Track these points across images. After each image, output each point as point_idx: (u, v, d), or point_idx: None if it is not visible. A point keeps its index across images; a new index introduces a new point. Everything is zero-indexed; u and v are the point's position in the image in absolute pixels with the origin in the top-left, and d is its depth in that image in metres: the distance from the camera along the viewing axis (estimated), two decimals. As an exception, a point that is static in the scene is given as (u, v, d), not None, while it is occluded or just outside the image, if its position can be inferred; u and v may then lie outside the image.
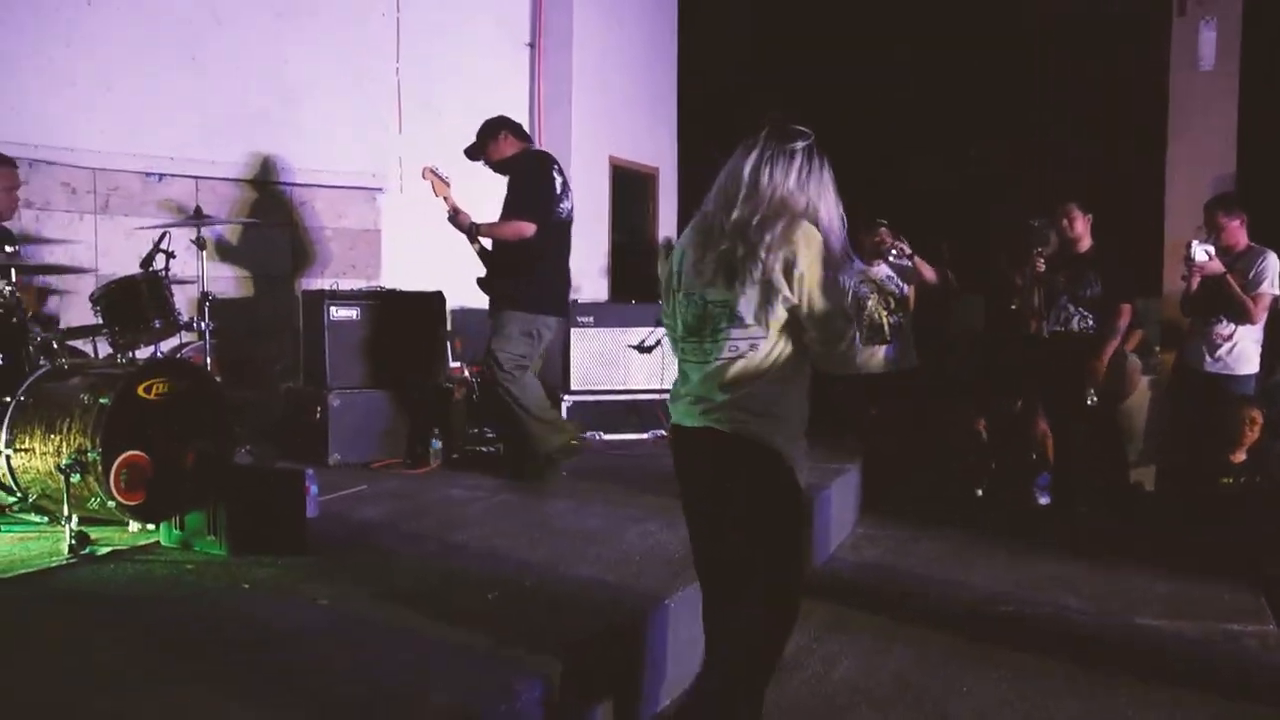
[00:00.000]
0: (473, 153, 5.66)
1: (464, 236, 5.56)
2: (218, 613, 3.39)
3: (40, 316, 5.14)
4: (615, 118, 9.16)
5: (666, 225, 10.00)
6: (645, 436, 7.20)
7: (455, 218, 5.45)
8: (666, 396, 6.67)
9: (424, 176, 5.62)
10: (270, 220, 7.08)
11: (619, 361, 7.22)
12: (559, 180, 5.46)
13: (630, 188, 9.50)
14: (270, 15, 7.14)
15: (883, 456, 6.81)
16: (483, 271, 5.65)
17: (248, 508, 4.09)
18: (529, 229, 5.32)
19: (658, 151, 9.83)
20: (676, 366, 2.69)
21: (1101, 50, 8.25)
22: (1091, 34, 8.03)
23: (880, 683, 3.71)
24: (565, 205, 5.52)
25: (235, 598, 3.54)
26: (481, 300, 6.47)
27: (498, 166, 5.58)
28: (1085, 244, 6.01)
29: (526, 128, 8.38)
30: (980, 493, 6.75)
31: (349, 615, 3.34)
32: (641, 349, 7.25)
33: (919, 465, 7.05)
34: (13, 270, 4.60)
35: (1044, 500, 6.54)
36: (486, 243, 5.58)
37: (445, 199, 5.49)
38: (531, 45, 8.62)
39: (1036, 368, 6.26)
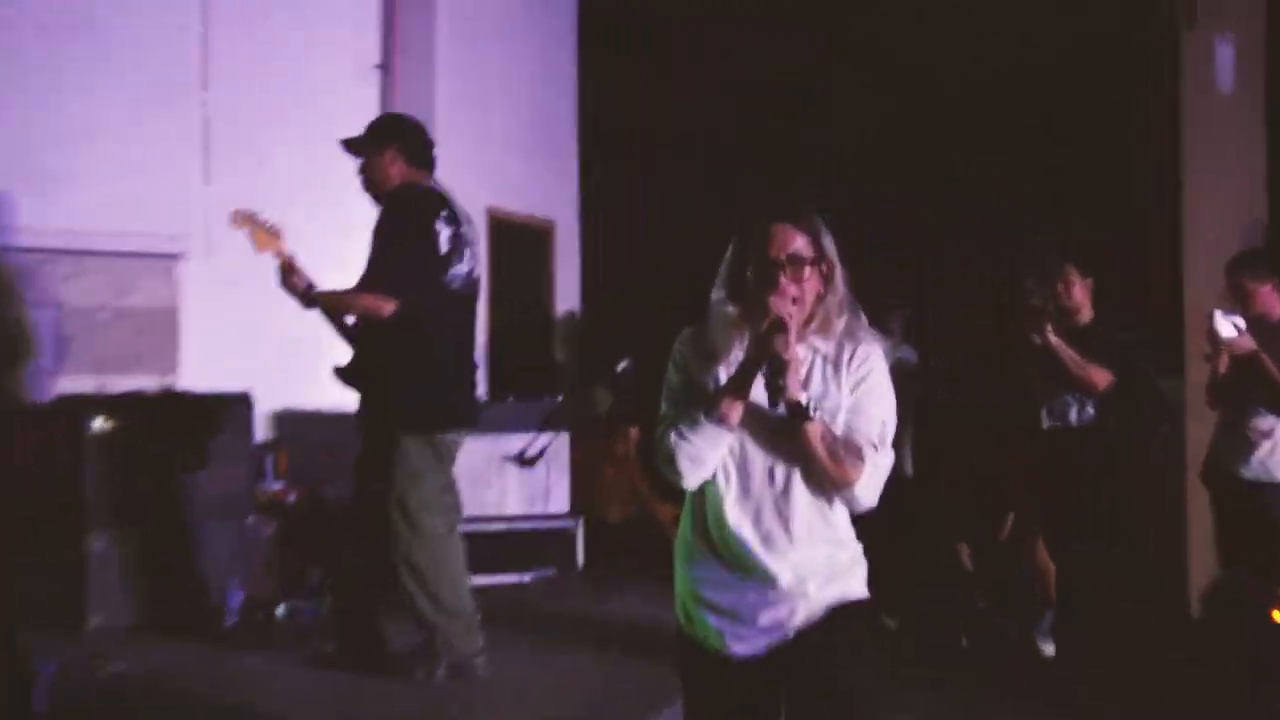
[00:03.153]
0: (353, 148, 5.26)
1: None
2: None
3: None
4: (497, 160, 9.09)
5: (566, 292, 9.92)
6: (525, 578, 7.07)
7: (288, 278, 4.90)
8: (553, 525, 6.46)
9: (235, 223, 5.02)
10: (25, 300, 6.82)
11: (491, 479, 7.13)
12: (446, 233, 4.99)
13: (517, 247, 9.40)
14: (34, 30, 6.92)
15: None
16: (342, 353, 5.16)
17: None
18: (385, 306, 4.82)
19: (553, 201, 9.79)
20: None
21: (1096, 75, 8.31)
22: (1083, 56, 8.08)
23: None
24: (460, 268, 5.02)
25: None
26: (318, 401, 6.23)
27: (377, 195, 5.15)
28: (1086, 314, 5.90)
29: None
30: (965, 643, 6.49)
31: None
32: (523, 462, 7.13)
33: (890, 605, 6.83)
34: None
35: (1049, 650, 6.30)
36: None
37: (278, 254, 4.95)
38: (382, 68, 8.52)
39: (1031, 472, 6.14)
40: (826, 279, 2.82)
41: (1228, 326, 5.36)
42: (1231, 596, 5.88)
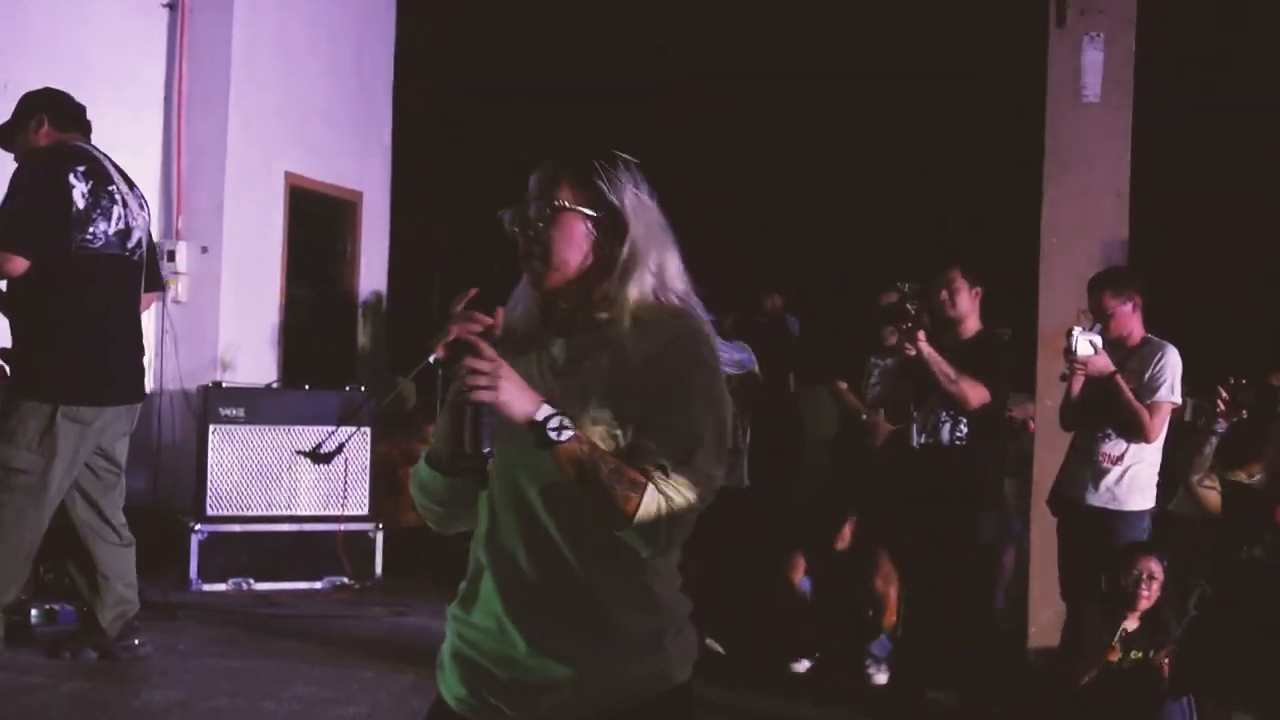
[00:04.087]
0: (3, 138, 5.46)
1: None
2: None
3: None
4: (300, 121, 9.02)
5: (372, 271, 9.85)
6: (319, 586, 7.03)
7: None
8: (350, 528, 6.43)
9: None
10: None
11: (281, 476, 7.07)
12: (82, 188, 5.23)
13: (318, 219, 9.32)
14: None
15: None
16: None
17: None
18: (15, 264, 5.07)
19: (362, 171, 9.71)
20: None
21: (959, 75, 8.58)
22: (949, 54, 8.33)
23: None
24: (105, 227, 5.28)
25: None
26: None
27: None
28: (971, 326, 5.84)
29: (161, 125, 8.31)
30: (801, 669, 6.59)
31: None
32: (317, 458, 6.99)
33: (725, 627, 6.89)
34: None
35: (880, 678, 6.45)
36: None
37: None
38: (170, 6, 8.36)
39: (889, 490, 6.22)
40: (607, 236, 2.31)
41: (1085, 345, 5.48)
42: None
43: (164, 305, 8.11)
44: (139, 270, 5.47)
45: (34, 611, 5.78)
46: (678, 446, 2.19)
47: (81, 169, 5.24)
